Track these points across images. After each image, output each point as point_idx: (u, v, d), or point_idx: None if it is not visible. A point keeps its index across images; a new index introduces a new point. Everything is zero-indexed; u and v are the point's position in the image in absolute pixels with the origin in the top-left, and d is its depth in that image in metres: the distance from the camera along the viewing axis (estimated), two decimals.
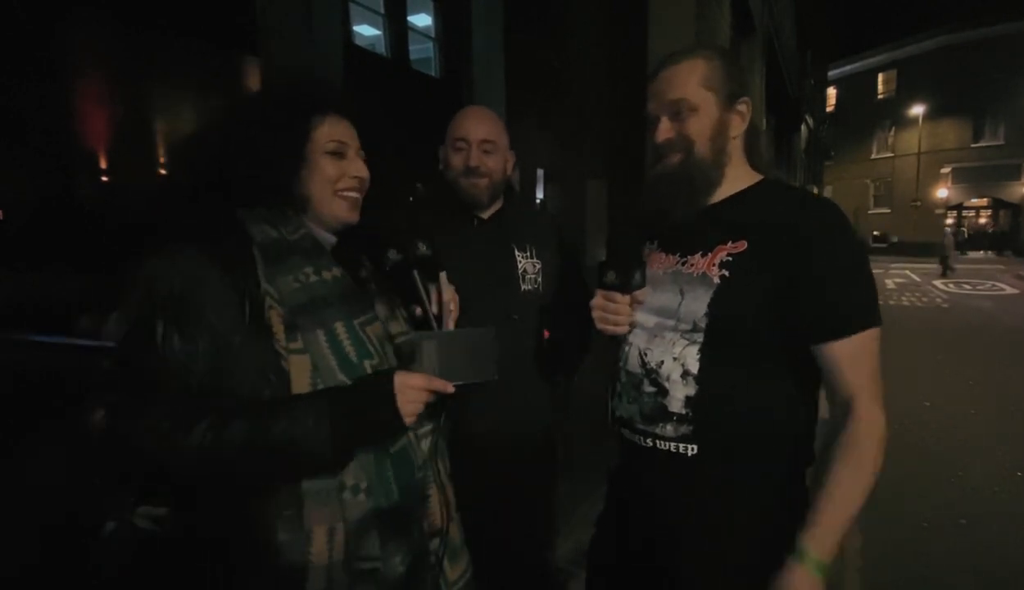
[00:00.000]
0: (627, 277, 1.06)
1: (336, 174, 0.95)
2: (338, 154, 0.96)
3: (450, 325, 1.03)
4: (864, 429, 0.96)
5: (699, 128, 1.05)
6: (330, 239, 1.00)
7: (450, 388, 0.92)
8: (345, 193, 0.97)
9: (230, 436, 0.80)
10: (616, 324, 1.09)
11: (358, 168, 0.98)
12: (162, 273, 0.83)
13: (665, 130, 1.07)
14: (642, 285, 1.07)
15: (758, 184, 1.10)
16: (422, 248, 1.01)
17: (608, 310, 1.09)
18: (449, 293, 1.05)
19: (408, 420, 0.89)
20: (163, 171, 1.02)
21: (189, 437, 0.79)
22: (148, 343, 0.82)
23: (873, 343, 0.98)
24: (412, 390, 0.88)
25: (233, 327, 0.83)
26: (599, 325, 1.10)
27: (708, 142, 1.05)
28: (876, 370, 0.99)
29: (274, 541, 0.84)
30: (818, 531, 0.95)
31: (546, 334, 1.65)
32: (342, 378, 0.88)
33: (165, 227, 0.88)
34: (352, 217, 0.98)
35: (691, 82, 1.05)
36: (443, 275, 1.04)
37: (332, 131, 0.95)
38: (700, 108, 1.04)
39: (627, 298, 1.08)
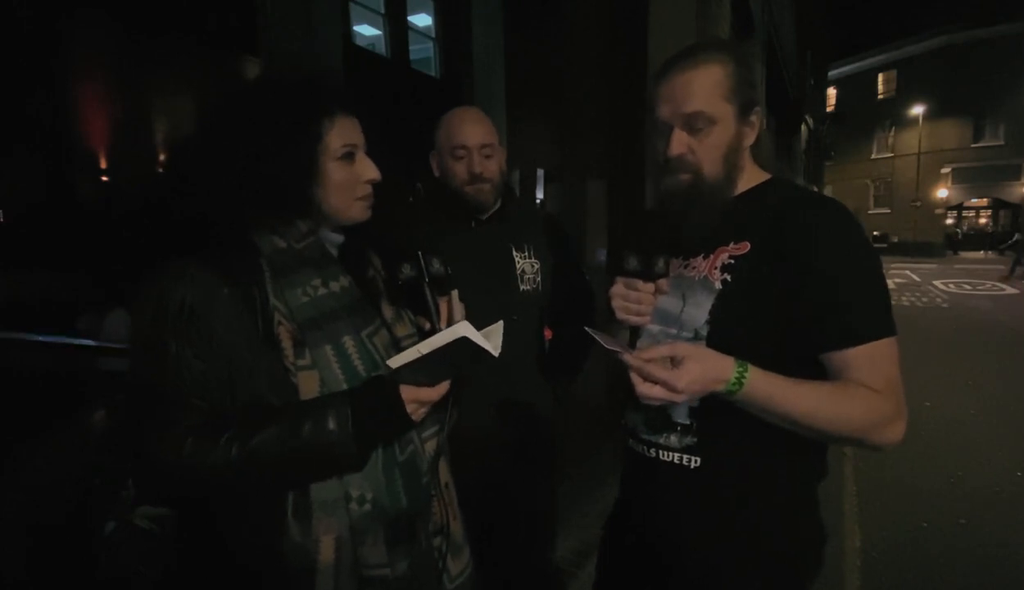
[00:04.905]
0: (650, 263, 0.98)
1: (349, 180, 0.92)
2: (349, 156, 0.92)
3: None
4: (882, 401, 0.89)
5: (715, 143, 0.99)
6: (337, 239, 0.98)
7: (445, 388, 0.90)
8: (360, 198, 0.95)
9: (257, 445, 0.80)
10: (638, 314, 0.99)
11: (370, 170, 0.94)
12: (172, 290, 0.82)
13: (679, 143, 0.99)
14: (666, 273, 0.99)
15: (764, 183, 1.06)
16: (436, 265, 1.00)
17: (630, 299, 0.99)
18: (460, 313, 1.04)
19: (416, 420, 0.89)
20: (165, 180, 0.96)
21: (215, 452, 0.79)
22: (161, 362, 0.81)
23: (890, 351, 0.91)
24: (414, 402, 0.87)
25: (244, 343, 0.83)
26: (619, 315, 1.00)
27: (722, 159, 1.00)
28: (896, 378, 0.91)
29: (283, 547, 0.85)
30: (769, 376, 0.87)
31: (548, 334, 1.65)
32: None
33: (172, 242, 0.86)
34: (365, 216, 0.96)
35: (711, 93, 0.98)
36: (455, 293, 1.03)
37: (342, 134, 0.91)
38: (718, 122, 0.98)
39: (650, 286, 0.98)
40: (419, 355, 0.80)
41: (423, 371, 0.85)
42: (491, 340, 0.85)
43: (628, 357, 0.87)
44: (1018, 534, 2.89)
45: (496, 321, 0.95)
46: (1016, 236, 19.43)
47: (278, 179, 0.85)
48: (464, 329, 0.79)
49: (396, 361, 0.83)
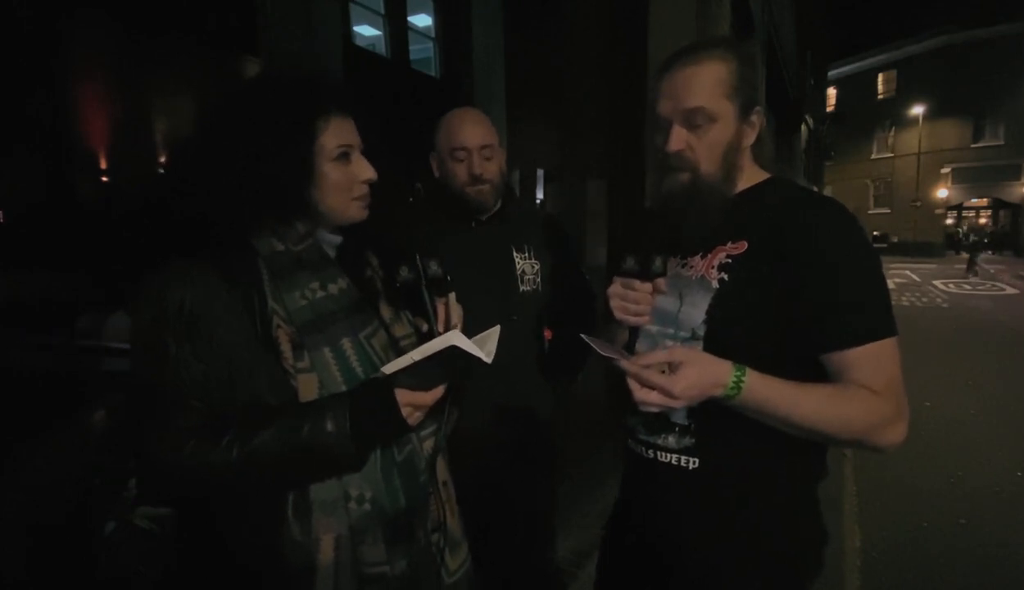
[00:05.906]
0: (647, 263, 0.98)
1: (345, 181, 0.92)
2: (344, 156, 0.92)
3: None
4: (882, 403, 0.89)
5: (714, 141, 0.98)
6: (334, 240, 0.98)
7: (439, 393, 0.90)
8: (356, 198, 0.94)
9: (257, 446, 0.80)
10: (636, 314, 0.99)
11: (366, 171, 0.94)
12: (172, 291, 0.82)
13: (678, 139, 0.99)
14: (663, 273, 0.98)
15: (764, 182, 1.05)
16: (434, 267, 1.00)
17: (627, 298, 0.99)
18: (457, 315, 1.04)
19: (412, 423, 0.89)
20: (165, 180, 0.96)
21: (215, 452, 0.79)
22: (161, 363, 0.81)
23: (891, 351, 0.91)
24: (408, 406, 0.87)
25: (244, 344, 0.83)
26: (618, 315, 1.00)
27: (721, 158, 0.99)
28: (897, 379, 0.91)
29: (283, 547, 0.85)
30: (767, 380, 0.87)
31: (548, 335, 1.65)
32: None
33: (171, 243, 0.86)
34: (362, 216, 0.96)
35: (712, 90, 0.97)
36: (452, 296, 1.04)
37: (338, 134, 0.91)
38: (718, 120, 0.98)
39: (647, 285, 0.98)
40: (411, 361, 0.81)
41: (417, 376, 0.85)
42: (486, 346, 0.85)
43: (625, 363, 0.87)
44: (1018, 534, 2.89)
45: (495, 322, 0.94)
46: (972, 237, 20.25)
47: (277, 179, 0.85)
48: (455, 337, 0.80)
49: (390, 368, 0.84)
